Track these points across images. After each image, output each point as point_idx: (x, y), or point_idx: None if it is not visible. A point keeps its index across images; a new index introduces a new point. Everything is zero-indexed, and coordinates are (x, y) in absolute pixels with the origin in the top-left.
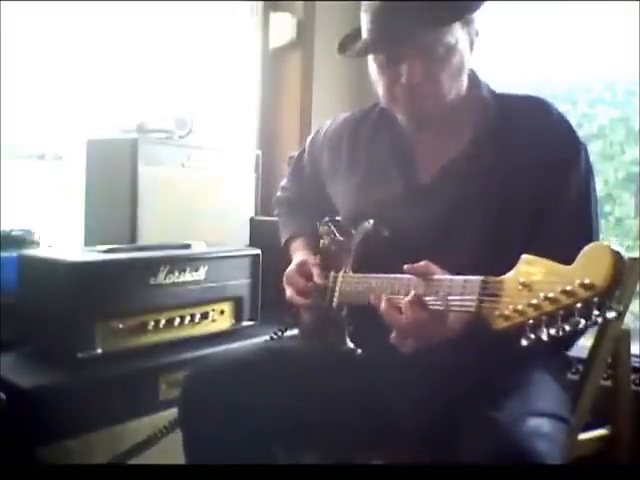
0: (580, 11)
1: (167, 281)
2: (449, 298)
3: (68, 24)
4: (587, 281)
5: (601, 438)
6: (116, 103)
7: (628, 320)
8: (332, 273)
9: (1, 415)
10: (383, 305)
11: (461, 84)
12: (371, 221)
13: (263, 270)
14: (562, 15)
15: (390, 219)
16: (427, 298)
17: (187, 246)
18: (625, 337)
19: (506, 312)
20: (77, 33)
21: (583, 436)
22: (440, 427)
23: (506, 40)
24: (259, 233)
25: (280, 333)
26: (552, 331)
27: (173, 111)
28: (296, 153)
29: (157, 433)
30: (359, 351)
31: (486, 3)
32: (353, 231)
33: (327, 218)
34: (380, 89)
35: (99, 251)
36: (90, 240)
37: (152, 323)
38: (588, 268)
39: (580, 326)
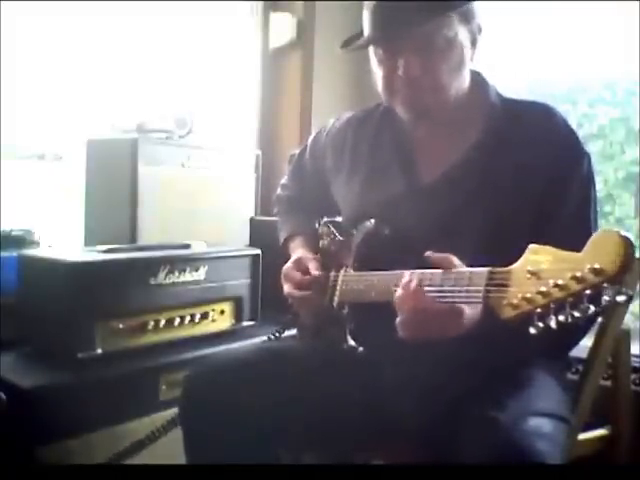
0: (580, 11)
1: (167, 281)
2: (456, 289)
3: (68, 24)
4: (597, 266)
5: (601, 438)
6: (116, 103)
7: (628, 320)
8: (332, 272)
9: (1, 415)
10: (400, 290)
11: (461, 80)
12: (372, 220)
13: (263, 270)
14: (561, 15)
15: (392, 218)
16: (430, 288)
17: (187, 246)
18: (625, 337)
19: (514, 301)
20: (77, 33)
21: (583, 436)
22: (441, 426)
23: (506, 40)
24: (259, 233)
25: (278, 333)
26: (561, 318)
27: (173, 111)
28: (297, 151)
29: (154, 432)
30: (360, 349)
31: (486, 3)
32: (354, 230)
33: (326, 219)
34: (380, 83)
35: (99, 251)
36: (90, 240)
37: (152, 323)
38: (597, 254)
39: (589, 312)
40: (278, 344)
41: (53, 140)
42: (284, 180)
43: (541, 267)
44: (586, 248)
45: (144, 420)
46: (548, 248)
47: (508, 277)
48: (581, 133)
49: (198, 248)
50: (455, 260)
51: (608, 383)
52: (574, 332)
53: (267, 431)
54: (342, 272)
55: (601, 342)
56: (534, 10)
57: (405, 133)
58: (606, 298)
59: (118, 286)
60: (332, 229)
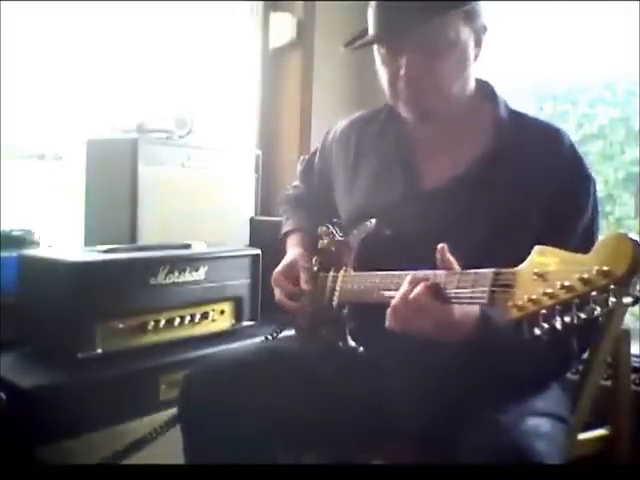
0: (580, 11)
1: (167, 281)
2: (461, 290)
3: (68, 24)
4: (605, 268)
5: (601, 438)
6: (116, 103)
7: (628, 320)
8: (332, 272)
9: (1, 415)
10: (404, 288)
11: (465, 81)
12: (373, 220)
13: (263, 270)
14: (562, 15)
15: (392, 220)
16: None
17: (187, 246)
18: (625, 337)
19: (520, 302)
20: (77, 33)
21: (583, 436)
22: (440, 426)
23: (506, 40)
24: (259, 233)
25: (275, 334)
26: (567, 319)
27: (173, 111)
28: (308, 155)
29: (152, 432)
30: (360, 349)
31: (488, 3)
32: (355, 231)
33: (327, 220)
34: (383, 84)
35: (99, 251)
36: (90, 240)
37: (152, 323)
38: (605, 256)
39: (595, 313)
40: (278, 344)
41: (53, 140)
42: (295, 182)
43: (547, 268)
44: (594, 250)
45: (144, 420)
46: (554, 249)
47: (514, 278)
48: (581, 133)
49: (198, 248)
50: (456, 266)
51: (608, 383)
52: (574, 347)
53: (267, 431)
54: (342, 272)
55: (601, 342)
56: (535, 10)
57: (409, 136)
58: (613, 300)
59: (118, 286)
60: (332, 229)
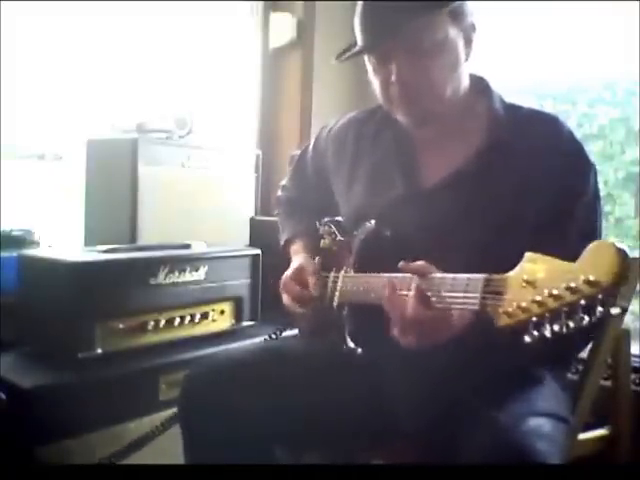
0: (579, 11)
1: (167, 281)
2: (452, 295)
3: (68, 24)
4: (592, 278)
5: (601, 438)
6: (116, 103)
7: (628, 320)
8: (332, 273)
9: (1, 415)
10: (387, 296)
11: (458, 80)
12: (373, 221)
13: (263, 270)
14: (562, 15)
15: (391, 220)
16: (429, 294)
17: (187, 246)
18: (625, 337)
19: (509, 309)
20: (77, 33)
21: (583, 436)
22: (440, 427)
23: (505, 40)
24: (259, 233)
25: (277, 334)
26: (556, 327)
27: (173, 111)
28: (298, 152)
29: (150, 433)
30: (359, 350)
31: (487, 3)
32: (355, 231)
33: (327, 218)
34: (377, 92)
35: (99, 251)
36: (90, 240)
37: (152, 323)
38: (593, 265)
39: (584, 322)
40: (278, 344)
41: (53, 140)
42: (284, 181)
43: (537, 276)
44: (582, 258)
45: (144, 420)
46: (545, 257)
47: (504, 284)
48: (581, 133)
49: (198, 248)
50: (430, 267)
51: (608, 383)
52: (575, 342)
53: (267, 431)
54: (342, 273)
55: (601, 342)
56: (534, 10)
57: (406, 134)
58: (600, 309)
59: (118, 286)
60: (333, 229)
